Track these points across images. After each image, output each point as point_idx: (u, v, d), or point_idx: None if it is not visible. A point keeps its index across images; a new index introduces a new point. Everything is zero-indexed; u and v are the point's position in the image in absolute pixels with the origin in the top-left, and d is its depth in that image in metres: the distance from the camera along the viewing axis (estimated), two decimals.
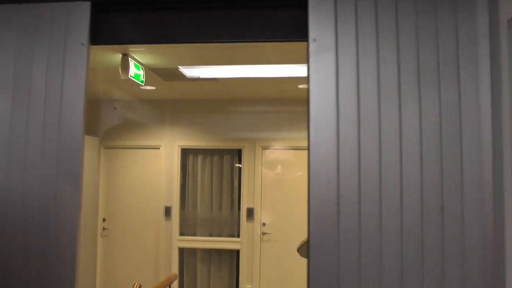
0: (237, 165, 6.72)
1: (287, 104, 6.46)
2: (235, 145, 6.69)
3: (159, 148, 6.67)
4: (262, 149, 6.57)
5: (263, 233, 6.49)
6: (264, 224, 6.50)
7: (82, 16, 2.22)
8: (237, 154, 6.73)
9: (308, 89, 2.12)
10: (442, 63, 2.05)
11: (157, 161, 6.69)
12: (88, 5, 2.22)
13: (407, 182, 2.02)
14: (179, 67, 4.70)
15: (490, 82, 2.00)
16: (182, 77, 5.03)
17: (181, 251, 6.73)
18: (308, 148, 2.08)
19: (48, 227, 2.15)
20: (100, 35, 2.30)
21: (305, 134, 6.26)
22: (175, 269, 6.54)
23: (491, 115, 1.99)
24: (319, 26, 2.11)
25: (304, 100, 6.40)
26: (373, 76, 2.07)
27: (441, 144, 2.02)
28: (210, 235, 6.72)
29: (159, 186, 6.65)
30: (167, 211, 6.62)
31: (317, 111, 2.09)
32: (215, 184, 6.75)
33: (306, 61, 2.15)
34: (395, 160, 2.03)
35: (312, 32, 2.12)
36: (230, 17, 2.30)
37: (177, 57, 4.49)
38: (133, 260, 6.64)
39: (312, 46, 2.12)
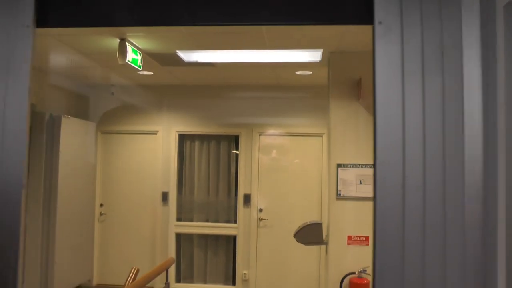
0: (234, 151, 6.73)
1: (284, 90, 6.48)
2: (232, 131, 6.69)
3: (156, 134, 6.68)
4: (259, 135, 6.58)
5: (260, 219, 6.52)
6: (260, 210, 6.53)
7: None
8: (234, 140, 6.73)
9: (373, 73, 2.09)
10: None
11: (154, 146, 6.70)
12: None
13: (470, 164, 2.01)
14: (177, 51, 4.69)
15: (480, 73, 2.01)
16: (180, 61, 5.03)
17: (178, 236, 6.76)
18: (374, 130, 2.06)
19: None
20: (47, 17, 2.26)
21: (301, 121, 6.27)
22: (172, 254, 6.57)
23: (481, 105, 2.00)
24: (384, 7, 2.07)
25: (301, 86, 6.41)
26: (438, 59, 2.06)
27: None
28: (207, 221, 6.74)
29: (156, 171, 6.66)
30: (164, 196, 6.64)
31: (383, 95, 2.07)
32: (212, 170, 6.77)
33: (372, 45, 2.11)
34: (457, 145, 2.03)
35: (378, 14, 2.08)
36: None
37: (175, 41, 4.49)
38: (130, 245, 6.68)
39: (378, 29, 2.08)
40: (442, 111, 2.05)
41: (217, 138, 6.77)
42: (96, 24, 2.35)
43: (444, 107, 2.05)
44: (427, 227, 2.04)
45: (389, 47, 2.06)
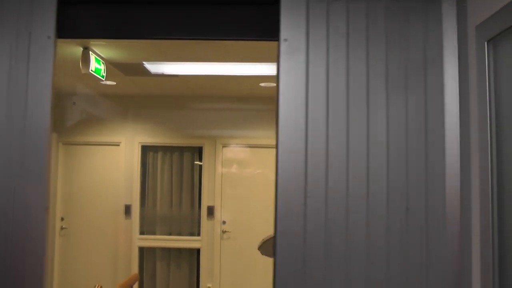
0: (197, 162, 6.66)
1: (248, 102, 6.46)
2: (195, 143, 6.63)
3: (119, 145, 6.55)
4: (223, 147, 6.54)
5: (223, 231, 6.46)
6: (224, 222, 6.48)
7: (48, 8, 2.13)
8: (198, 152, 6.67)
9: (277, 89, 2.11)
10: (410, 67, 2.08)
11: (117, 158, 6.57)
12: None
13: (374, 183, 2.04)
14: (143, 62, 4.63)
15: (457, 86, 2.04)
16: (146, 72, 4.96)
17: (141, 250, 6.63)
18: (277, 148, 2.07)
19: (12, 231, 2.06)
20: (66, 28, 2.22)
21: (264, 133, 6.26)
22: (134, 269, 6.43)
23: (458, 117, 2.03)
24: (290, 26, 2.11)
25: (265, 98, 6.41)
26: (343, 78, 2.09)
27: (407, 147, 2.05)
28: (170, 234, 6.64)
29: (119, 183, 6.53)
30: (127, 209, 6.51)
31: (286, 111, 2.09)
32: (175, 181, 6.68)
33: (276, 60, 2.14)
34: (362, 162, 2.05)
35: (284, 32, 2.11)
36: (198, 14, 2.26)
37: (141, 52, 4.42)
38: (92, 260, 6.50)
39: (283, 46, 2.11)
40: (346, 128, 2.09)
41: (180, 150, 6.69)
42: (114, 36, 2.32)
43: (349, 124, 2.09)
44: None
45: (294, 64, 2.12)
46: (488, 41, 1.82)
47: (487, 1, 1.82)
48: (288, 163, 2.06)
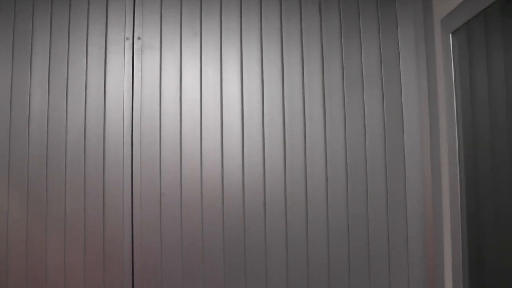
0: None
1: None
2: None
3: None
4: None
5: None
6: None
7: (126, 8, 2.17)
8: None
9: (132, 88, 2.14)
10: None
11: None
12: None
13: (229, 181, 2.10)
14: None
15: (426, 78, 2.08)
16: None
17: None
18: (131, 146, 2.10)
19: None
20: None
21: None
22: None
23: (428, 110, 2.07)
24: (144, 24, 2.16)
25: None
26: (196, 75, 2.14)
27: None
28: None
29: None
30: None
31: (140, 110, 2.13)
32: None
33: (131, 59, 2.17)
34: (216, 160, 2.10)
35: (137, 30, 2.16)
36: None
37: None
38: None
39: (136, 44, 2.16)
40: (200, 123, 2.12)
41: None
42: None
43: (202, 119, 2.12)
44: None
45: (147, 62, 2.15)
46: (453, 33, 1.86)
47: None
48: (143, 160, 2.11)
